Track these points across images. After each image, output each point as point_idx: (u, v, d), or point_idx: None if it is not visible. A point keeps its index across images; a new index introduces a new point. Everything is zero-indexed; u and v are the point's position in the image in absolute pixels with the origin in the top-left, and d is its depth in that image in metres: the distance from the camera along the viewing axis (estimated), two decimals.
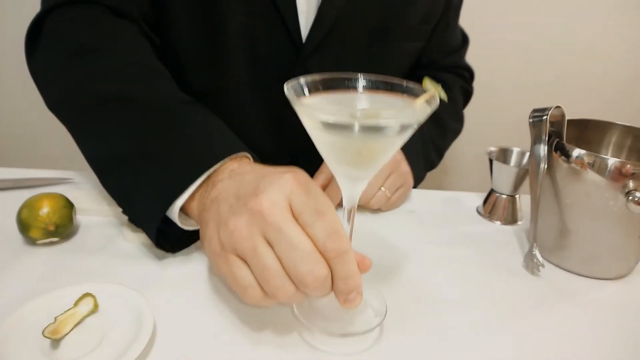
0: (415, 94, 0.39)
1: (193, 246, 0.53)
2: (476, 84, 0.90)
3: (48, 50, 0.57)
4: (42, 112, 0.60)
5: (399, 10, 0.68)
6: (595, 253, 0.53)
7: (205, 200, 0.42)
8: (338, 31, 0.65)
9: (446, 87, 0.82)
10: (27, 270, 0.47)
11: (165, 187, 0.45)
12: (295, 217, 0.36)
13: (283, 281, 0.35)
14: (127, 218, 0.55)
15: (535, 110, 0.55)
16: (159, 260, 0.50)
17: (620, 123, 0.59)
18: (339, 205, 0.49)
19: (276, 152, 0.74)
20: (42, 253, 0.50)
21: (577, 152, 0.50)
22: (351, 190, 0.41)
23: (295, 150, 0.73)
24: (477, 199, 0.71)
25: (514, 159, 0.68)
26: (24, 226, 0.50)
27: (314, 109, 0.37)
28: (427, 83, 0.38)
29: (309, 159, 0.56)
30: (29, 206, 0.50)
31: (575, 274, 0.54)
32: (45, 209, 0.50)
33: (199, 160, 0.45)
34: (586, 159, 0.50)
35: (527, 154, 0.65)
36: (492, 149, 0.67)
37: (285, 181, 0.37)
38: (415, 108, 0.37)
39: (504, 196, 0.65)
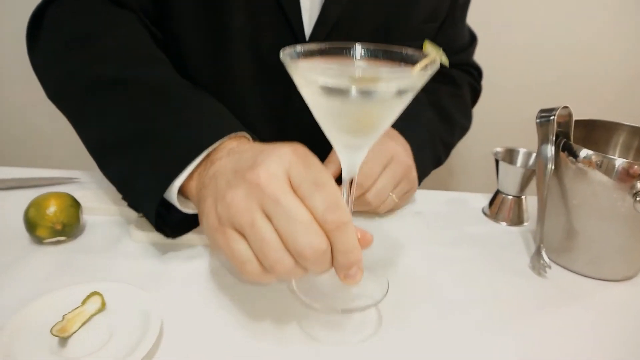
0: (414, 61, 0.38)
1: (199, 246, 0.53)
2: (482, 84, 0.89)
3: (48, 41, 0.58)
4: (48, 112, 0.60)
5: (403, 8, 0.68)
6: (602, 254, 0.53)
7: (204, 178, 0.42)
8: (341, 29, 0.64)
9: (455, 84, 0.82)
10: (35, 269, 0.47)
11: (164, 167, 0.44)
12: (294, 189, 0.35)
13: (281, 254, 0.34)
14: (134, 217, 0.55)
15: (542, 111, 0.55)
16: (166, 259, 0.50)
17: (628, 123, 0.59)
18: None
19: None
20: (49, 252, 0.50)
21: (584, 152, 0.50)
22: (351, 160, 0.40)
23: None
24: (483, 199, 0.71)
25: (520, 160, 0.67)
26: (31, 225, 0.50)
27: (313, 73, 0.36)
28: (428, 46, 0.37)
29: None
30: (36, 205, 0.50)
31: (582, 275, 0.54)
32: (52, 208, 0.50)
33: (197, 139, 0.44)
34: (594, 159, 0.49)
35: (533, 155, 0.64)
36: (498, 149, 0.66)
37: (284, 153, 0.36)
38: (414, 71, 0.36)
39: (510, 197, 0.65)
